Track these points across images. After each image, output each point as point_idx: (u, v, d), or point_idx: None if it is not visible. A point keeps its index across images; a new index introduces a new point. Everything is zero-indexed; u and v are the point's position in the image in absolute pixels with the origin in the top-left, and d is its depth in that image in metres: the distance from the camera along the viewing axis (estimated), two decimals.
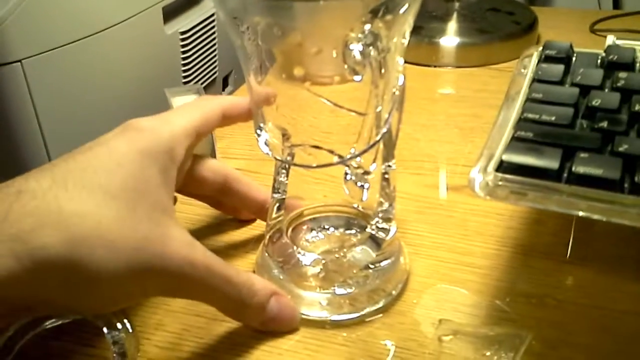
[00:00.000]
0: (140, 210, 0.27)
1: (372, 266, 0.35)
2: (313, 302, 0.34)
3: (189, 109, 0.33)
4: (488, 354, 0.29)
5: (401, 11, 0.29)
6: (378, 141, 0.32)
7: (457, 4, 0.71)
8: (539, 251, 0.38)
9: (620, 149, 0.30)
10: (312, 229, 0.38)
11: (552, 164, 0.30)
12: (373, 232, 0.35)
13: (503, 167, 0.31)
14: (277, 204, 0.36)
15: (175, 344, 0.33)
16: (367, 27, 0.28)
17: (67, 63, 0.50)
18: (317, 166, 0.32)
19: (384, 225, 0.35)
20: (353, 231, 0.38)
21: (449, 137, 0.52)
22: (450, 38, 0.65)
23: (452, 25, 0.67)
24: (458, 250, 0.38)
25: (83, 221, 0.25)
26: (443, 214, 0.42)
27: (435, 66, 0.65)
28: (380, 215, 0.35)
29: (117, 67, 0.56)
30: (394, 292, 0.35)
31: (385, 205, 0.35)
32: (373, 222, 0.35)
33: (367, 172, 0.33)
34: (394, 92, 0.32)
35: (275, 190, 0.35)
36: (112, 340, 0.31)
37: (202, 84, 0.67)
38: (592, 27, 0.72)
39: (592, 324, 0.33)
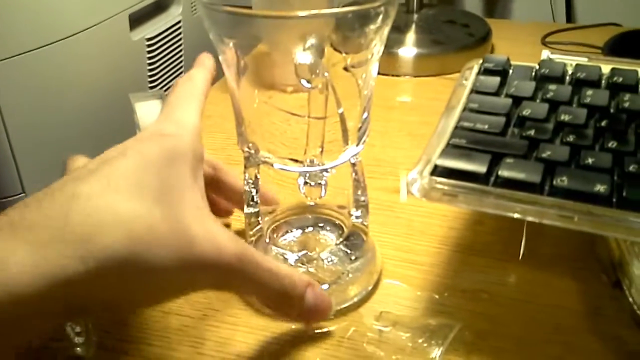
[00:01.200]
0: (183, 210, 0.28)
1: (348, 265, 0.37)
2: None
3: (188, 103, 0.33)
4: (420, 341, 0.31)
5: (372, 27, 0.31)
6: (361, 142, 0.35)
7: (415, 16, 0.74)
8: (479, 250, 0.41)
9: (544, 154, 0.33)
10: (287, 230, 0.39)
11: (481, 168, 0.32)
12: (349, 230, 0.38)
13: (437, 171, 0.33)
14: (254, 216, 0.38)
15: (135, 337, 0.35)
16: (312, 41, 0.31)
17: (34, 68, 0.51)
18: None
19: (361, 212, 0.38)
20: (329, 230, 0.39)
21: (402, 143, 0.55)
22: (408, 49, 0.68)
23: (410, 37, 0.70)
24: (403, 248, 0.41)
25: (137, 221, 0.26)
26: (392, 215, 0.45)
27: (393, 75, 0.68)
28: (356, 204, 0.38)
29: (84, 73, 0.57)
30: (369, 288, 0.37)
31: (360, 194, 0.38)
32: (351, 211, 0.38)
33: (324, 170, 0.35)
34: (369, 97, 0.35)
35: (249, 203, 0.37)
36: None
37: (167, 89, 0.69)
38: (543, 40, 0.75)
39: (521, 317, 0.36)
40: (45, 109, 0.54)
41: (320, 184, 0.36)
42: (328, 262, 0.37)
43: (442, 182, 0.33)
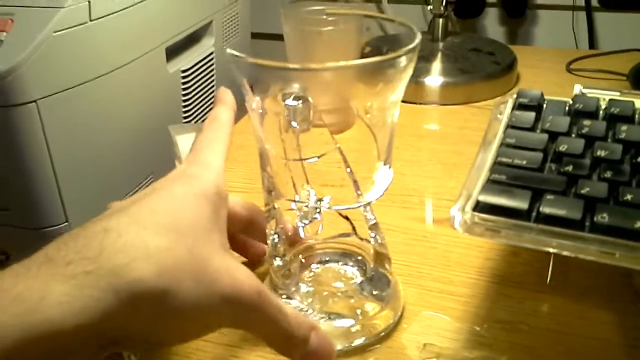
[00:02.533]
0: (207, 247, 0.30)
1: (372, 300, 0.38)
2: None
3: (214, 145, 0.35)
4: None
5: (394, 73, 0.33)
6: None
7: (441, 44, 0.75)
8: (514, 281, 0.42)
9: (582, 191, 0.34)
10: (317, 265, 0.40)
11: (522, 204, 0.34)
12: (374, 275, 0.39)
13: (479, 207, 0.34)
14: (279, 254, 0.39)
15: None
16: (296, 86, 0.33)
17: (77, 102, 0.53)
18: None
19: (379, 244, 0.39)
20: (355, 268, 0.40)
21: (433, 172, 0.56)
22: (434, 77, 0.69)
23: (437, 65, 0.71)
24: (441, 279, 0.42)
25: (166, 255, 0.27)
26: (427, 246, 0.46)
27: (420, 103, 0.69)
28: (373, 241, 0.39)
29: (124, 106, 0.59)
30: (391, 322, 0.38)
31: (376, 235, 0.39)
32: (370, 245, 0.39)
33: (316, 208, 0.37)
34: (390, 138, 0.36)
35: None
36: None
37: (202, 120, 0.71)
38: (568, 67, 0.76)
39: (560, 349, 0.36)
40: (88, 140, 0.56)
41: (315, 219, 0.37)
42: (350, 296, 0.38)
43: (484, 218, 0.34)
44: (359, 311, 0.38)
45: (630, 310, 0.39)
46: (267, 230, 0.39)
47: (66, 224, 0.54)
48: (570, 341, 0.37)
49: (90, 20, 0.53)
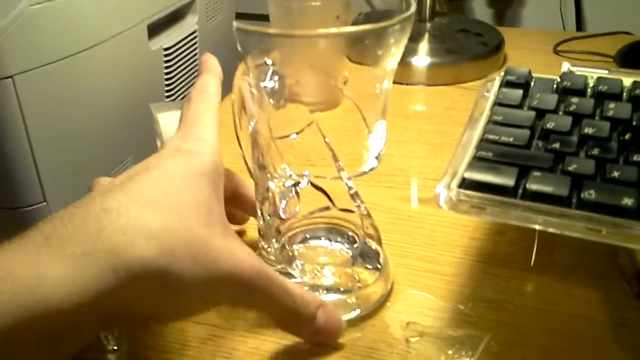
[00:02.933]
0: (209, 226, 0.29)
1: (365, 270, 0.38)
2: None
3: (206, 119, 0.34)
4: (450, 352, 0.32)
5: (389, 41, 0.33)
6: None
7: (428, 25, 0.75)
8: (500, 259, 0.41)
9: (570, 168, 0.34)
10: (301, 241, 0.40)
11: (509, 181, 0.33)
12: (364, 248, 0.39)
13: (465, 184, 0.34)
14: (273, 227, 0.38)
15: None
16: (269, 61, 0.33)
17: (56, 78, 0.52)
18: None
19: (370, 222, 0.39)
20: (344, 243, 0.40)
21: (419, 152, 0.55)
22: (422, 58, 0.68)
23: (424, 46, 0.71)
24: (426, 258, 0.41)
25: (168, 235, 0.27)
26: (413, 225, 0.45)
27: (407, 84, 0.68)
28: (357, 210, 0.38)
29: (104, 83, 0.58)
30: (386, 291, 0.38)
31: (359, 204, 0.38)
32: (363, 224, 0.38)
33: (296, 184, 0.37)
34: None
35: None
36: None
37: (183, 98, 0.70)
38: (555, 48, 0.76)
39: (546, 327, 0.36)
40: (67, 118, 0.54)
41: (292, 197, 0.37)
42: (341, 271, 0.38)
43: (470, 195, 0.33)
44: (352, 283, 0.37)
45: (615, 288, 0.38)
46: (261, 212, 0.38)
47: (44, 203, 0.53)
48: (556, 319, 0.37)
49: None
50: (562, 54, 0.74)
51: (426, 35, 0.72)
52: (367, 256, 0.39)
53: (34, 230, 0.26)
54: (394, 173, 0.52)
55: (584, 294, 0.38)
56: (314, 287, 0.37)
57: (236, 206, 0.41)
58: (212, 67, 0.37)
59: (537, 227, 0.32)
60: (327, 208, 0.38)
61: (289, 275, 0.37)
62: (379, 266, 0.38)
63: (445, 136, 0.57)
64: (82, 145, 0.56)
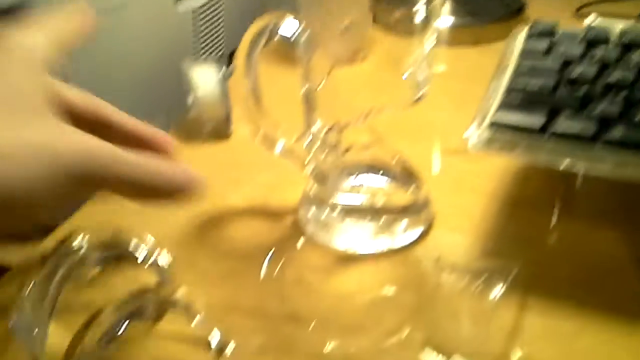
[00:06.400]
0: (38, 123, 0.27)
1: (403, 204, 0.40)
2: (345, 235, 0.39)
3: (45, 22, 0.32)
4: (478, 283, 0.34)
5: None
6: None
7: None
8: (526, 203, 0.43)
9: (596, 111, 0.35)
10: (351, 174, 0.42)
11: (538, 121, 0.35)
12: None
13: (495, 125, 0.35)
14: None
15: None
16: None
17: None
18: None
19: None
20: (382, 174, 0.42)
21: (443, 107, 0.56)
22: (443, 19, 0.70)
23: (446, 7, 0.72)
24: (454, 203, 0.43)
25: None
26: (439, 175, 0.47)
27: None
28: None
29: (132, 44, 0.59)
30: (422, 229, 0.40)
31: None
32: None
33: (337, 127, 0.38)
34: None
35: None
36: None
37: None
38: (577, 12, 0.76)
39: (571, 263, 0.38)
40: (96, 79, 0.56)
41: (331, 145, 0.39)
42: (381, 201, 0.40)
43: (500, 136, 0.35)
44: (391, 214, 0.40)
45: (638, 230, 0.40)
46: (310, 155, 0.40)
47: None
48: (581, 256, 0.38)
49: None
50: (584, 17, 0.75)
51: None
52: (409, 184, 0.41)
53: None
54: (419, 127, 0.53)
55: (609, 234, 0.40)
56: (357, 212, 0.39)
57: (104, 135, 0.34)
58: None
59: (565, 166, 0.34)
60: (367, 147, 0.40)
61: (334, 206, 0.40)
62: (417, 200, 0.41)
63: (468, 94, 0.58)
64: (111, 103, 0.58)
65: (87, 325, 0.29)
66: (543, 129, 0.35)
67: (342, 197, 0.40)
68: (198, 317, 0.32)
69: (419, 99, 0.38)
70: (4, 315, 0.32)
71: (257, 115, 0.39)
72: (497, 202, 0.43)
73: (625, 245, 0.39)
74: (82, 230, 0.34)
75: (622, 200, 0.42)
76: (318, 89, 0.37)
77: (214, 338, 0.31)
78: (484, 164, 0.47)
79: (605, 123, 0.34)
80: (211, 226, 0.42)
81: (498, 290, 0.33)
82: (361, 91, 0.40)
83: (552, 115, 0.35)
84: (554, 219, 0.42)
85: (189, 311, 0.32)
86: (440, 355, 0.32)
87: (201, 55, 0.70)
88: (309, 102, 0.37)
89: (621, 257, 0.38)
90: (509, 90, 0.38)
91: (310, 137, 0.40)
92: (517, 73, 0.40)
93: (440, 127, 0.54)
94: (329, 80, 0.38)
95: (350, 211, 0.40)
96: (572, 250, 0.39)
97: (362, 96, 0.40)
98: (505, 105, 0.37)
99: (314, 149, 0.40)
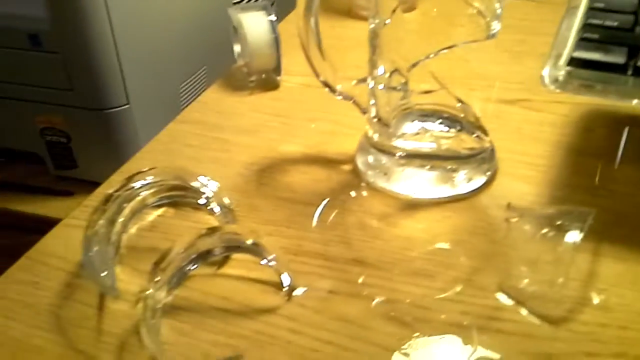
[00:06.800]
0: None
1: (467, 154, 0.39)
2: (407, 181, 0.38)
3: None
4: (558, 223, 0.32)
5: None
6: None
7: None
8: (590, 153, 0.41)
9: None
10: (414, 120, 0.40)
11: (619, 59, 0.33)
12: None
13: (573, 63, 0.34)
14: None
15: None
16: None
17: None
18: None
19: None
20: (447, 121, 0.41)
21: (499, 59, 0.54)
22: None
23: None
24: (517, 151, 0.42)
25: None
26: (499, 123, 0.45)
27: None
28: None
29: None
30: (487, 175, 0.39)
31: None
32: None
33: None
34: None
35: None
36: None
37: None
38: None
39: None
40: (147, 27, 0.55)
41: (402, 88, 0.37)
42: (444, 147, 0.39)
43: (579, 74, 0.33)
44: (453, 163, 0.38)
45: None
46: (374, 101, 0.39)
47: (127, 105, 0.54)
48: None
49: None
50: None
51: None
52: (470, 134, 0.40)
53: None
54: (476, 77, 0.52)
55: None
56: (419, 158, 0.38)
57: None
58: None
59: (635, 102, 0.32)
60: (434, 91, 0.38)
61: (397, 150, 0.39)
62: (481, 148, 0.39)
63: (524, 44, 0.56)
64: (161, 54, 0.57)
65: (157, 265, 0.29)
66: (624, 66, 0.33)
67: (404, 143, 0.39)
68: (268, 259, 0.31)
69: (493, 34, 0.37)
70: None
71: (318, 58, 0.38)
72: (561, 150, 0.42)
73: None
74: (145, 173, 0.34)
75: None
76: (384, 26, 0.35)
77: (285, 280, 0.31)
78: (545, 113, 0.46)
79: None
80: (269, 174, 0.41)
81: (575, 235, 0.31)
82: (425, 33, 0.39)
83: (634, 51, 0.33)
84: (619, 168, 0.40)
85: (258, 253, 0.31)
86: (515, 301, 0.31)
87: (248, 1, 0.68)
88: (375, 41, 0.36)
89: None
90: (584, 27, 0.36)
91: (374, 80, 0.38)
92: (591, 11, 0.38)
93: (499, 78, 0.52)
94: (394, 20, 0.36)
95: (412, 157, 0.39)
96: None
97: (426, 38, 0.38)
98: (582, 42, 0.35)
99: (377, 93, 0.38)
